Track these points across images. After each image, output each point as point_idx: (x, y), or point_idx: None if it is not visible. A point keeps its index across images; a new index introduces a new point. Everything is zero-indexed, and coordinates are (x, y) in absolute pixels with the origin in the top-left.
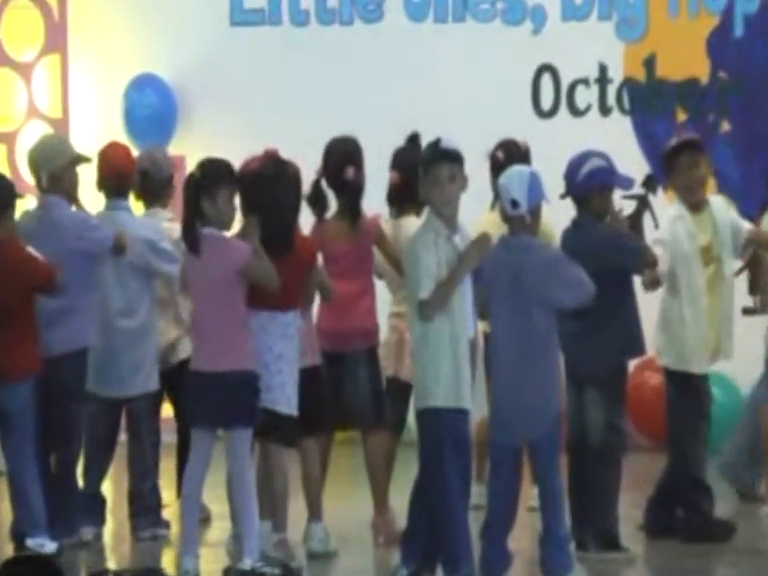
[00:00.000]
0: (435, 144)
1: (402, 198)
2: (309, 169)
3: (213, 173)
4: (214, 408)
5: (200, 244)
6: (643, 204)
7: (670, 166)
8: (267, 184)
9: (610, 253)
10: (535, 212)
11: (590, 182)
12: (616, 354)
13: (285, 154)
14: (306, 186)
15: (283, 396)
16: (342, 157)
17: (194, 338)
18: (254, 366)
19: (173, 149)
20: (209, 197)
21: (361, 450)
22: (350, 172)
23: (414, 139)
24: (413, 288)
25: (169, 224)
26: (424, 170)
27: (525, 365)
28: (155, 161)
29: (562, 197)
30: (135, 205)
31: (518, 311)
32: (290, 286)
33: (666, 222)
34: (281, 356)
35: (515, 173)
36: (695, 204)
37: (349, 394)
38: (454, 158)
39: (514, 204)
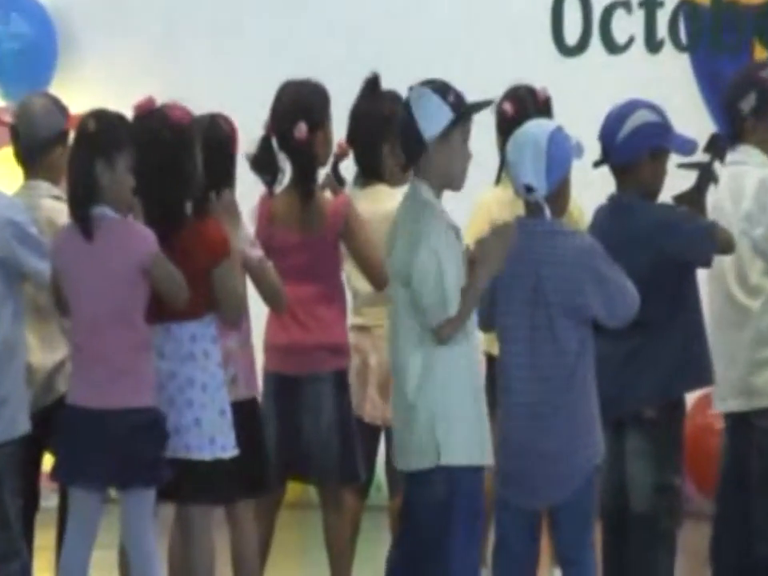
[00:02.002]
0: (456, 94)
1: (365, 168)
2: (249, 125)
3: (113, 128)
4: (102, 459)
5: (93, 227)
6: (707, 175)
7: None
8: (135, 146)
9: (674, 244)
10: (560, 185)
11: (636, 145)
12: (670, 385)
13: (216, 106)
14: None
15: (199, 437)
16: (293, 108)
17: (74, 361)
18: (156, 401)
19: None
20: (107, 162)
21: (317, 514)
22: (301, 129)
23: (373, 85)
24: (432, 305)
25: (51, 202)
26: (445, 131)
27: (547, 400)
28: (29, 114)
29: (596, 165)
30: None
31: (539, 325)
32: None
33: (752, 189)
34: (190, 382)
35: (527, 141)
36: None
37: (306, 434)
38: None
39: (528, 189)
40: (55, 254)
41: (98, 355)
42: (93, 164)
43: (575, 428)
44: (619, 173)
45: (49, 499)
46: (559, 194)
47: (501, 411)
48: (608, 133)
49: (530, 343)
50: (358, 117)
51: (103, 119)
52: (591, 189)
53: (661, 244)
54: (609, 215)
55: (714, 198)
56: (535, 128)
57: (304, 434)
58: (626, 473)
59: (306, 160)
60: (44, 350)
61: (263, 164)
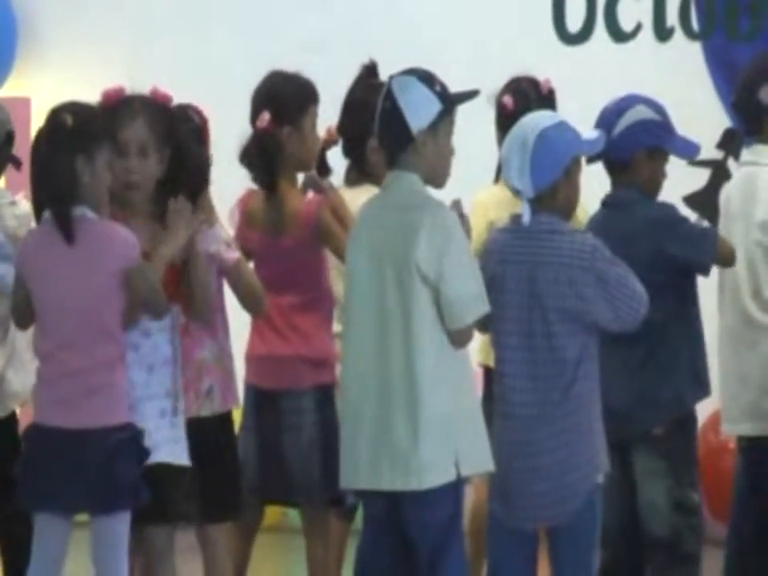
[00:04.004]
0: (441, 84)
1: (353, 161)
2: (222, 116)
3: (92, 123)
4: (78, 482)
5: (75, 229)
6: (721, 174)
7: None
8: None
9: (672, 243)
10: (555, 186)
11: (632, 142)
12: (682, 399)
13: (184, 94)
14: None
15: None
16: (262, 96)
17: (40, 376)
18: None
19: (11, 87)
20: (87, 158)
21: (299, 540)
22: (264, 117)
23: (369, 73)
24: (470, 300)
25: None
26: (433, 123)
27: (545, 413)
28: None
29: (590, 161)
30: None
31: (536, 331)
32: None
33: (765, 193)
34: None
35: (516, 138)
36: None
37: (286, 453)
38: None
39: (516, 191)
40: (24, 259)
41: (71, 370)
42: (74, 161)
43: (574, 442)
44: (614, 171)
45: None
46: (554, 196)
47: (496, 422)
48: (603, 127)
49: (527, 351)
50: (350, 105)
51: (80, 113)
52: (595, 186)
53: (659, 241)
54: (605, 215)
55: (723, 197)
56: (529, 123)
57: (284, 453)
58: (636, 496)
59: (267, 152)
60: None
61: (242, 156)
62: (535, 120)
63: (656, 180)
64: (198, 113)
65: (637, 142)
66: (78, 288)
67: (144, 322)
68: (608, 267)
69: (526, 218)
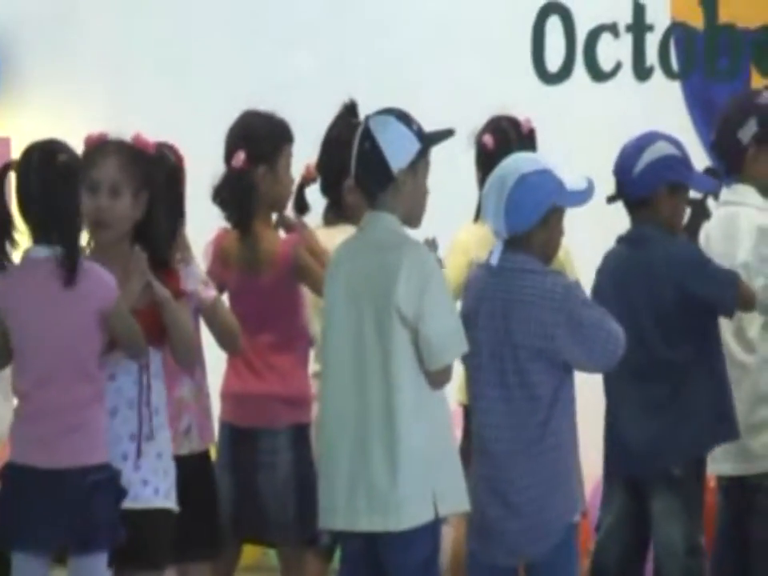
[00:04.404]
0: (417, 123)
1: (330, 200)
2: (201, 154)
3: (77, 156)
4: (55, 522)
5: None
6: (700, 212)
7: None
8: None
9: (696, 282)
10: (532, 230)
11: (653, 179)
12: (703, 440)
13: (164, 134)
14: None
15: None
16: (236, 135)
17: (19, 414)
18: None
19: None
20: (81, 191)
21: None
22: (239, 157)
23: (350, 111)
24: (448, 340)
25: None
26: (412, 162)
27: (521, 450)
28: None
29: (610, 200)
30: None
31: (508, 368)
32: None
33: (749, 237)
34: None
35: (496, 179)
36: None
37: (261, 491)
38: None
39: (495, 232)
40: (6, 295)
41: (48, 409)
42: (78, 196)
43: (549, 481)
44: (635, 208)
45: None
46: (529, 241)
47: (474, 458)
48: (623, 165)
49: (501, 388)
50: (329, 144)
51: (65, 147)
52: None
53: (682, 279)
54: (626, 252)
55: (703, 237)
56: (511, 165)
57: (259, 490)
58: (643, 534)
59: (241, 191)
60: None
61: (214, 195)
62: (517, 163)
63: (678, 215)
64: (174, 151)
65: (659, 178)
66: (57, 325)
67: (109, 366)
68: (581, 309)
69: (495, 258)
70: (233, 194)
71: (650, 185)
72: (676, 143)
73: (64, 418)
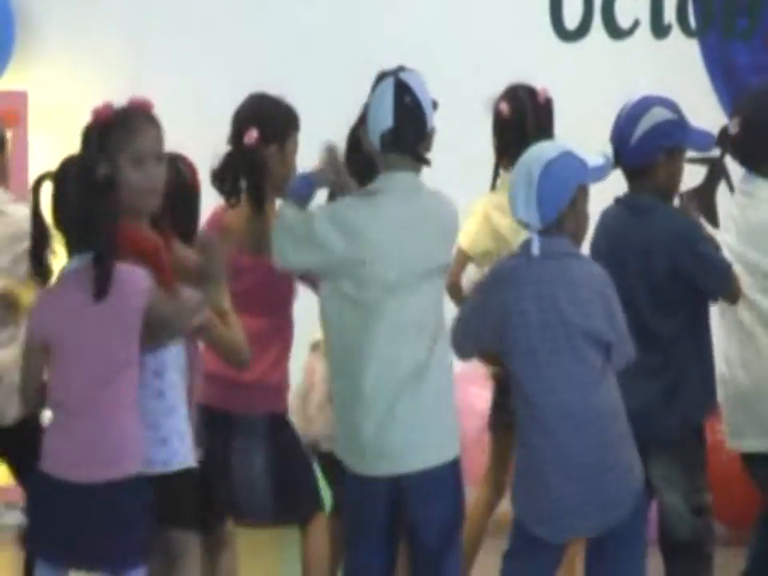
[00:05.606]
0: None
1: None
2: (217, 128)
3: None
4: (80, 538)
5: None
6: (717, 171)
7: None
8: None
9: (690, 264)
10: (562, 215)
11: (651, 146)
12: (697, 408)
13: (181, 89)
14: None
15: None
16: (249, 114)
17: (53, 422)
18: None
19: (8, 80)
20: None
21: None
22: (252, 134)
23: None
24: None
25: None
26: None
27: (592, 420)
28: None
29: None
30: None
31: (560, 347)
32: None
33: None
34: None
35: (521, 174)
36: None
37: (234, 475)
38: None
39: (522, 224)
40: (46, 319)
41: (86, 417)
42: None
43: (620, 441)
44: (633, 175)
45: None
46: (561, 227)
47: (525, 426)
48: (620, 135)
49: (556, 367)
50: (353, 143)
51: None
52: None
53: (677, 258)
54: (624, 217)
55: (730, 221)
56: (534, 156)
57: (232, 474)
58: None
59: (255, 168)
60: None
61: (215, 175)
62: (540, 152)
63: (675, 179)
64: (188, 164)
65: (656, 146)
66: (100, 339)
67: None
68: (616, 302)
69: (536, 249)
70: (247, 171)
71: (648, 153)
72: (671, 105)
73: (102, 427)
